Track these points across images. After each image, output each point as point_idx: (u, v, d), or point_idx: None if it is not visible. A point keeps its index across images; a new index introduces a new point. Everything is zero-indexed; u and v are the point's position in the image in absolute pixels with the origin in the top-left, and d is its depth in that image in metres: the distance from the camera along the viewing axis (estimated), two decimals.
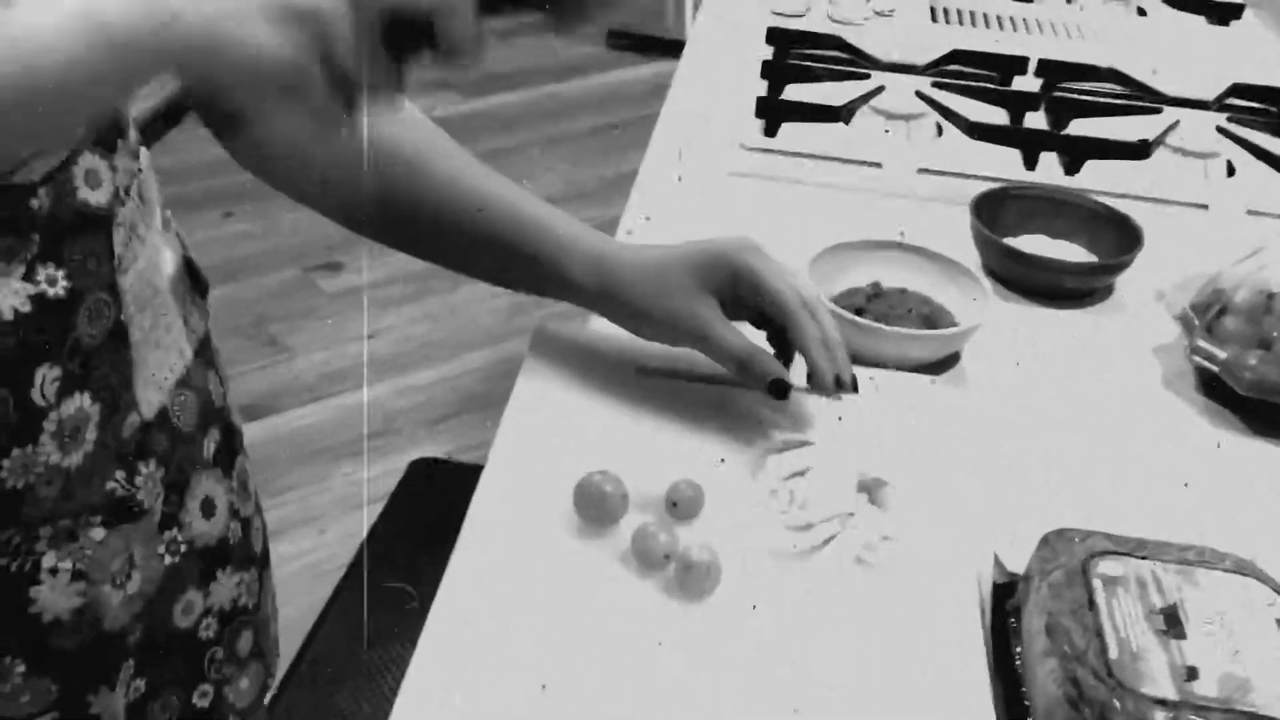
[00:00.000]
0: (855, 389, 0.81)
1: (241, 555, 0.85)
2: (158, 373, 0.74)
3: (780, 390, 0.79)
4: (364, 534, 2.11)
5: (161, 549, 0.75)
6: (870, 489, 0.78)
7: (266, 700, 1.06)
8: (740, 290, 0.80)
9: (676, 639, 0.69)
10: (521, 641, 0.68)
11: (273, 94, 0.57)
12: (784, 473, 0.78)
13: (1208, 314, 1.00)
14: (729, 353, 0.80)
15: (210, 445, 0.81)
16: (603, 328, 0.88)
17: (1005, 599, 0.75)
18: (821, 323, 0.80)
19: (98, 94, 0.58)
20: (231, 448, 0.84)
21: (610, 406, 0.85)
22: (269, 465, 2.23)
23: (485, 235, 0.84)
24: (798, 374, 0.82)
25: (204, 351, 0.81)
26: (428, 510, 1.81)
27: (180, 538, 0.77)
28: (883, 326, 0.96)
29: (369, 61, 0.56)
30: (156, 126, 2.92)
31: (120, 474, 0.71)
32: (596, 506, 0.74)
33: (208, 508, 0.80)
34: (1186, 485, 0.88)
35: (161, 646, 0.78)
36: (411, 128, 0.85)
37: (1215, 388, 0.98)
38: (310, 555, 2.08)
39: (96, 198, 0.67)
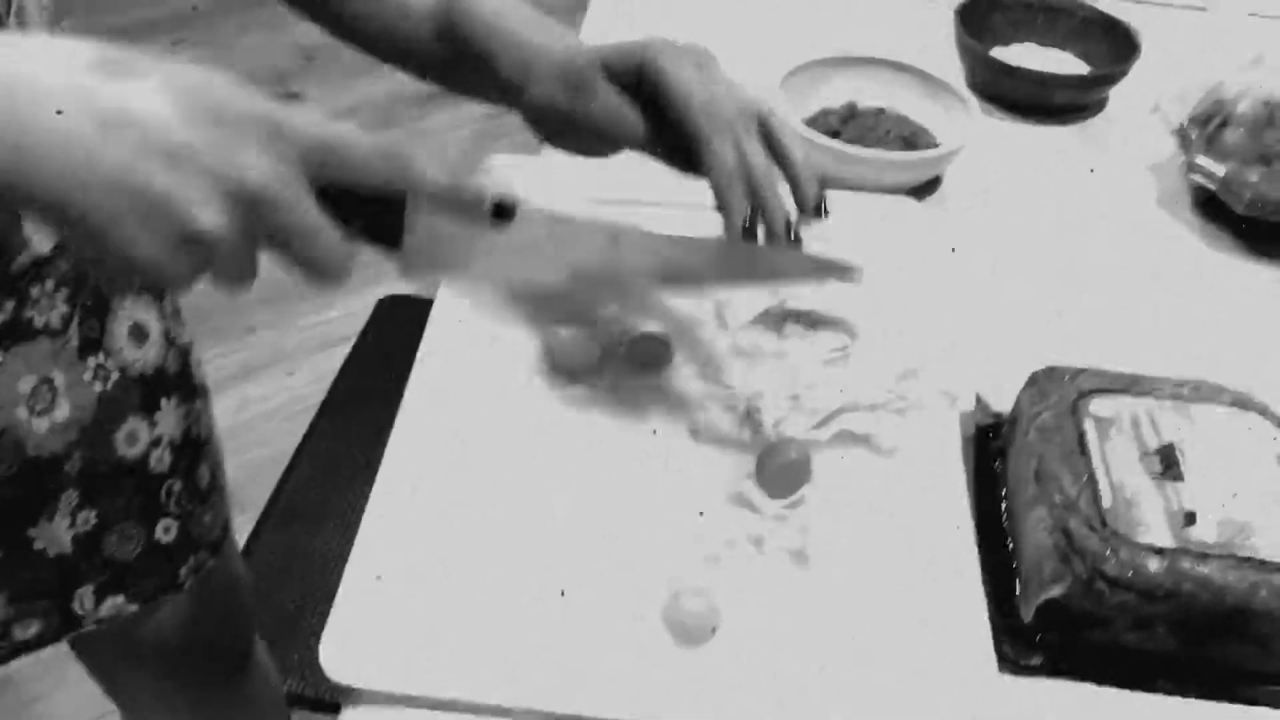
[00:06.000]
0: (795, 236, 0.65)
1: (185, 385, 0.82)
2: None
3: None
4: (334, 373, 2.08)
5: (88, 375, 0.73)
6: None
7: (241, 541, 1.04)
8: (647, 91, 0.65)
9: (651, 474, 0.65)
10: (477, 478, 0.65)
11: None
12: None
13: (1207, 127, 0.94)
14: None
15: None
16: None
17: (989, 441, 0.71)
18: (744, 148, 0.63)
19: None
20: None
21: None
22: (232, 307, 2.16)
23: (457, 44, 0.72)
24: None
25: None
26: (397, 348, 1.77)
27: (110, 364, 0.74)
28: (857, 150, 0.89)
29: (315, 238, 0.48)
30: None
31: (9, 303, 0.67)
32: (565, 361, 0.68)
33: (137, 334, 0.77)
34: (1180, 314, 0.83)
35: (107, 477, 0.76)
36: None
37: (1213, 207, 0.93)
38: (279, 397, 2.04)
39: None
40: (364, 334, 2.21)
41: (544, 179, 0.85)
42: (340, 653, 0.56)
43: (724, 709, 0.56)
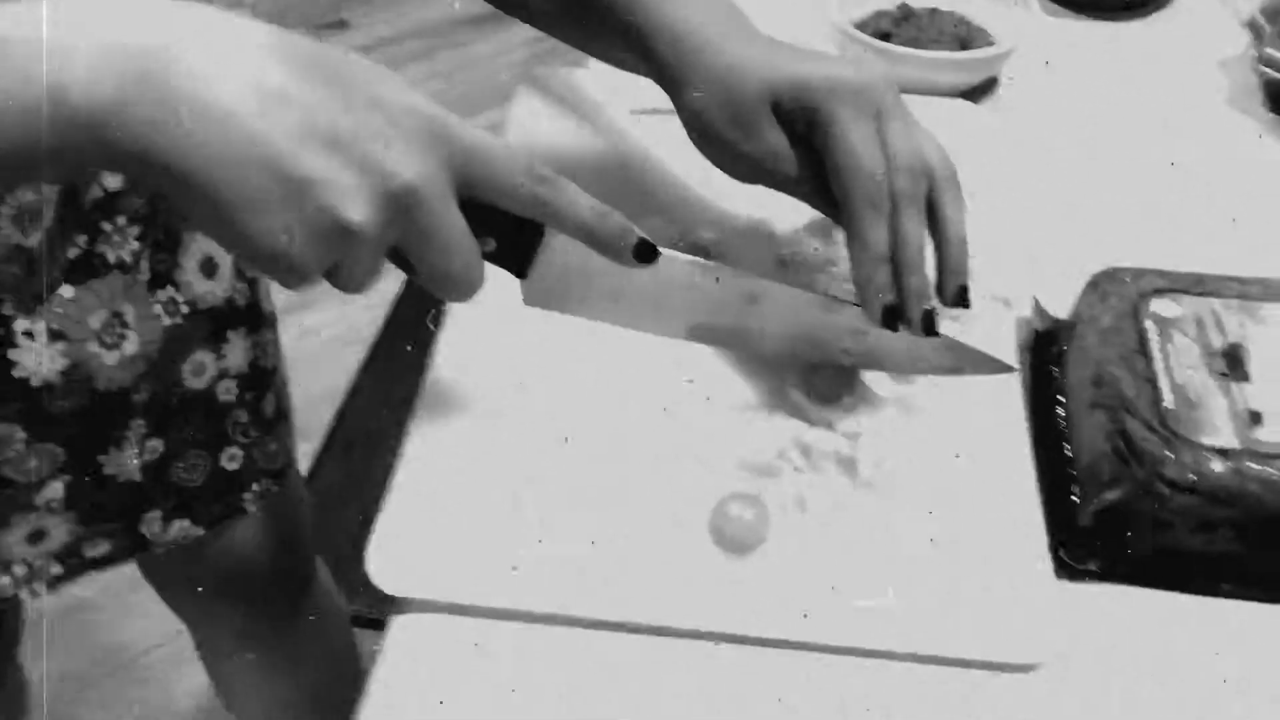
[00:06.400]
0: (931, 331, 0.59)
1: (254, 317, 0.83)
2: None
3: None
4: (391, 301, 2.08)
5: (157, 309, 0.73)
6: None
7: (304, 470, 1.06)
8: (815, 137, 0.60)
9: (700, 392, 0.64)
10: (522, 387, 0.64)
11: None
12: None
13: None
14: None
15: None
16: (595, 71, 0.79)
17: (1048, 347, 0.69)
18: (900, 225, 0.58)
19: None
20: None
21: (603, 149, 0.79)
22: None
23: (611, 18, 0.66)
24: None
25: None
26: None
27: (179, 297, 0.75)
28: (907, 50, 0.86)
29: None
30: None
31: (82, 238, 0.68)
32: None
33: (208, 267, 0.77)
34: (1248, 212, 0.80)
35: (175, 408, 0.77)
36: None
37: None
38: (336, 326, 2.05)
39: None
40: None
41: (591, 91, 0.83)
42: (387, 563, 0.56)
43: (771, 618, 0.55)
